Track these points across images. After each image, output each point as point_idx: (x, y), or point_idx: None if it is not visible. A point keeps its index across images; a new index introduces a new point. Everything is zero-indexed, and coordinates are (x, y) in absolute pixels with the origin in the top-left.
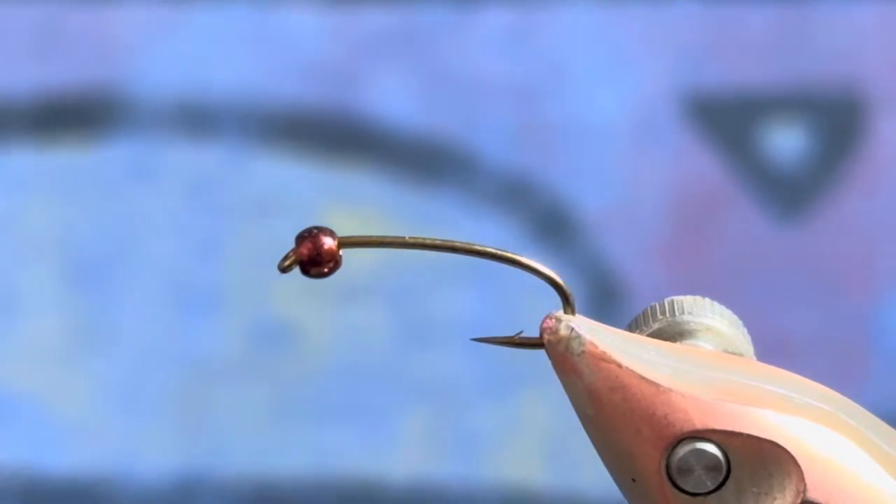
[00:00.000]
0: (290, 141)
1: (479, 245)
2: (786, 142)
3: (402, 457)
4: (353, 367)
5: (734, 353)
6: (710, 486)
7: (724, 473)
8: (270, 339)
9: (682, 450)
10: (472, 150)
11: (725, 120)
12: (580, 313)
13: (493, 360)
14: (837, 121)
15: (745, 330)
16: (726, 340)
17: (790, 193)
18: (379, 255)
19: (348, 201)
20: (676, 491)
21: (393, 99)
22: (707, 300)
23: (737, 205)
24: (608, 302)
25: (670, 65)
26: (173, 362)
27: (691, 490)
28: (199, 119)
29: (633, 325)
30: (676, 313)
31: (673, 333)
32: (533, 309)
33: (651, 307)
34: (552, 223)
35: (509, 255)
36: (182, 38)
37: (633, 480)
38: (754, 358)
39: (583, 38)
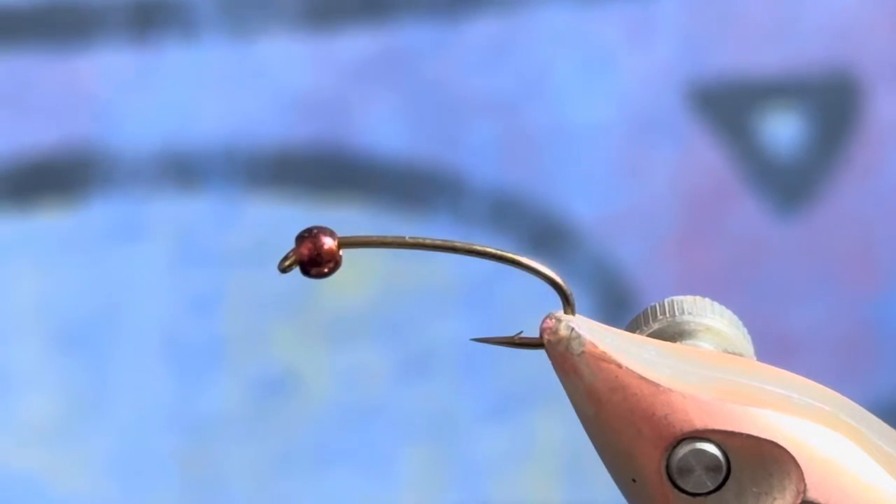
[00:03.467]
0: (279, 182)
1: (479, 245)
2: (782, 128)
3: (407, 492)
4: (351, 408)
5: (734, 353)
6: (710, 486)
7: (724, 473)
8: (270, 390)
9: (682, 450)
10: (458, 172)
11: (723, 110)
12: (589, 318)
13: (494, 384)
14: (833, 104)
15: (745, 330)
16: (726, 340)
17: (790, 183)
18: (370, 291)
19: None
20: (676, 491)
21: (381, 127)
22: (707, 300)
23: (738, 197)
24: (618, 309)
25: (659, 58)
26: (173, 425)
27: (691, 490)
28: (182, 168)
29: (633, 325)
30: (676, 313)
31: (673, 333)
32: (527, 326)
33: (651, 307)
34: (548, 236)
35: (509, 255)
36: (156, 82)
37: (634, 480)
38: (754, 358)
39: (564, 41)
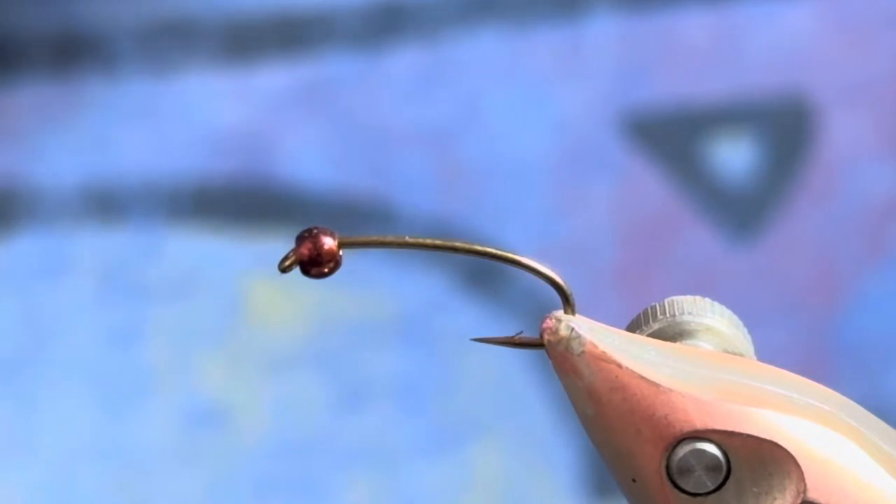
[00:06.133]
0: (202, 215)
1: (480, 245)
2: (733, 155)
3: None
4: (287, 440)
5: (734, 353)
6: (710, 486)
7: (724, 473)
8: (200, 422)
9: (682, 450)
10: (390, 204)
11: (666, 138)
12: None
13: (432, 416)
14: (785, 128)
15: (745, 330)
16: (726, 340)
17: (742, 210)
18: (303, 323)
19: (269, 272)
20: (676, 491)
21: (303, 158)
22: (707, 300)
23: (688, 226)
24: None
25: (596, 86)
26: (101, 458)
27: (691, 490)
28: (105, 202)
29: (633, 325)
30: (676, 313)
31: (673, 333)
32: (464, 359)
33: (651, 307)
34: (483, 270)
35: (509, 255)
36: (77, 117)
37: (634, 480)
38: (754, 358)
39: (494, 71)
